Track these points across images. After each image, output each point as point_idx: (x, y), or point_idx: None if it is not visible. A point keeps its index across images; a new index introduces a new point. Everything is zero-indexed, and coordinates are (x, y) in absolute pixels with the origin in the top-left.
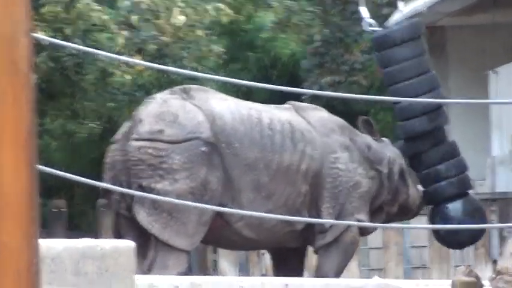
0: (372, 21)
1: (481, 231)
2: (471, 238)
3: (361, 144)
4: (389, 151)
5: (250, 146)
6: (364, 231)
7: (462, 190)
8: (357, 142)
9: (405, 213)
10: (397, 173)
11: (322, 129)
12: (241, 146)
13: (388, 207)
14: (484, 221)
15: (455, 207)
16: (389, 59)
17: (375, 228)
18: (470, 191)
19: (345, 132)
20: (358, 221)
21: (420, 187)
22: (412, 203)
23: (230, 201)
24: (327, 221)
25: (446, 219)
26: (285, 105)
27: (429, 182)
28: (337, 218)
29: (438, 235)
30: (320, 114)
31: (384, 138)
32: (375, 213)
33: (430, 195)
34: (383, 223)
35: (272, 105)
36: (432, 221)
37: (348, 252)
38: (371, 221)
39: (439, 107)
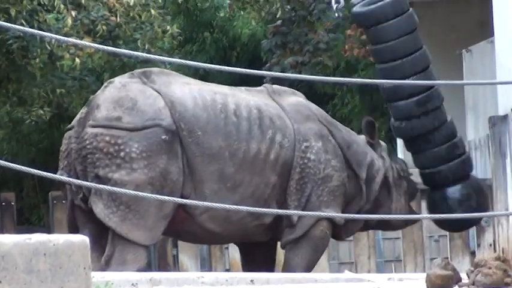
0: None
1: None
2: (471, 221)
3: (341, 140)
4: (377, 158)
5: (214, 134)
6: (337, 231)
7: (464, 172)
8: (336, 136)
9: (385, 226)
10: (379, 183)
11: (296, 116)
12: (204, 134)
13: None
14: (484, 202)
15: (454, 189)
16: (379, 36)
17: (350, 228)
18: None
19: (323, 122)
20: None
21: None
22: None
23: (193, 193)
24: (296, 212)
25: (446, 202)
26: (259, 88)
27: (429, 165)
28: (302, 211)
29: (439, 221)
30: (297, 100)
31: (382, 143)
32: (353, 220)
33: (431, 178)
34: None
35: (242, 88)
36: (431, 204)
37: (318, 247)
38: (347, 227)
39: (430, 88)
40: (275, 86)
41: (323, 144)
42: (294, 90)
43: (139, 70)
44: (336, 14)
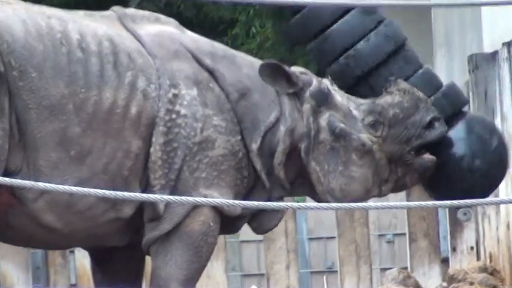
0: None
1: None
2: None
3: (232, 85)
4: (289, 114)
5: (53, 76)
6: (228, 222)
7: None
8: (224, 79)
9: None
10: (280, 157)
11: (159, 51)
12: (41, 76)
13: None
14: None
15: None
16: None
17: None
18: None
19: (203, 61)
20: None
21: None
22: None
23: (25, 165)
24: (171, 198)
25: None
26: (104, 12)
27: None
28: (171, 193)
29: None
30: (161, 28)
31: (313, 82)
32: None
33: None
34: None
35: (80, 12)
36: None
37: (199, 249)
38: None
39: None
40: (129, 10)
41: (199, 93)
42: (160, 15)
43: None
44: None
